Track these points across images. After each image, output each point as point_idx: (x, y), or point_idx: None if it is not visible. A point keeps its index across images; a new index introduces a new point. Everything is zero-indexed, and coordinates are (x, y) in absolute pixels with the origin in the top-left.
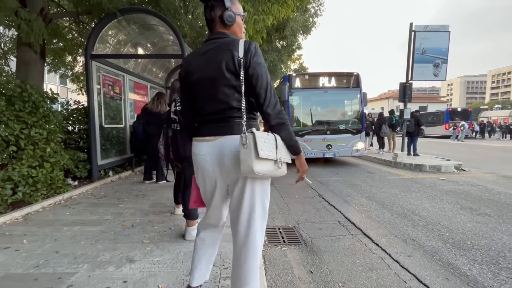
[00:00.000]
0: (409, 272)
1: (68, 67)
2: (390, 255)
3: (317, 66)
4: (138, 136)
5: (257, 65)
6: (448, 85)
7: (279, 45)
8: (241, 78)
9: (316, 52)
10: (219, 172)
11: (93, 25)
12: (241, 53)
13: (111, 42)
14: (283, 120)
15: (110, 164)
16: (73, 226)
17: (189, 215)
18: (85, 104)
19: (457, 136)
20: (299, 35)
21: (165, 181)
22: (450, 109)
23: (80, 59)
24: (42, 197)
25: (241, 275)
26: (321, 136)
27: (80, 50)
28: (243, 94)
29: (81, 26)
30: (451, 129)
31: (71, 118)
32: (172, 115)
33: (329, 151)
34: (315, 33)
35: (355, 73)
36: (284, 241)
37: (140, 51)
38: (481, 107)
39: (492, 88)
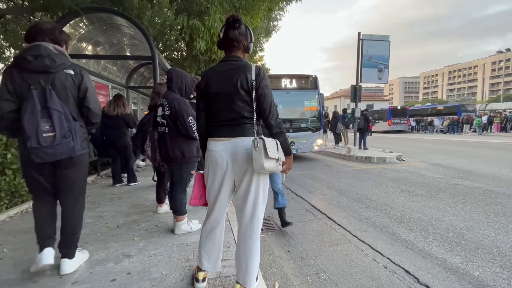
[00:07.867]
0: (365, 243)
1: (7, 62)
2: (350, 232)
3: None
4: (95, 140)
5: (265, 86)
6: (390, 85)
7: None
8: (253, 96)
9: (277, 53)
10: (232, 166)
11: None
12: (253, 76)
13: (71, 41)
14: (281, 129)
15: None
16: None
17: (178, 211)
18: None
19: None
20: (261, 38)
21: (152, 181)
22: (392, 107)
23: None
24: (5, 206)
25: (247, 246)
26: None
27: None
28: (254, 107)
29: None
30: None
31: None
32: (160, 119)
33: (292, 147)
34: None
35: (313, 76)
36: (262, 229)
37: (102, 50)
38: (416, 105)
39: (424, 88)
